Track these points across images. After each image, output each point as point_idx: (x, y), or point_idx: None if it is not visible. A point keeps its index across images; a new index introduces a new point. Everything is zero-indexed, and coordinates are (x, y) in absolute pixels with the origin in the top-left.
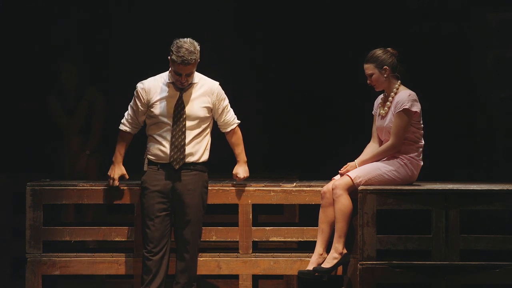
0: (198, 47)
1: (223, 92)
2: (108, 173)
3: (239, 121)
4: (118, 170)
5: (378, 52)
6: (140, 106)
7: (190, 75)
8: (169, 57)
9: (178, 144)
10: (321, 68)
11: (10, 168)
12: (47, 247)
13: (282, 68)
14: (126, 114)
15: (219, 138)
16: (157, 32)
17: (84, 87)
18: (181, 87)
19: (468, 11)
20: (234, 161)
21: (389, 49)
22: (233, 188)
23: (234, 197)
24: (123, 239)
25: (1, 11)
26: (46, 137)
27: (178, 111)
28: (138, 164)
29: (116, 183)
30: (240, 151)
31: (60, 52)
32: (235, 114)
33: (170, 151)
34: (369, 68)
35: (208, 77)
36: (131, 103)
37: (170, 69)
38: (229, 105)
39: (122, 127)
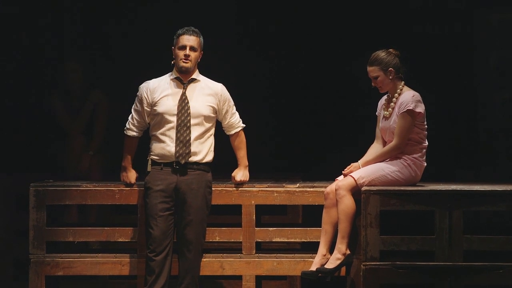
0: (202, 37)
1: (228, 93)
2: (122, 179)
3: (244, 125)
4: (131, 174)
5: (382, 54)
6: (145, 107)
7: (195, 51)
8: (173, 48)
9: (183, 139)
10: (324, 69)
11: (12, 168)
12: (50, 247)
13: (285, 69)
14: (130, 118)
15: (220, 139)
16: (158, 32)
17: (89, 88)
18: (185, 65)
19: (470, 11)
20: (235, 162)
21: (391, 50)
22: (236, 188)
23: (237, 197)
24: (127, 240)
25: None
26: (49, 137)
27: (182, 106)
28: (141, 165)
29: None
30: (242, 155)
31: (64, 53)
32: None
33: (176, 146)
34: (374, 71)
35: (213, 77)
36: (134, 107)
37: (173, 64)
38: (234, 107)
39: (129, 132)
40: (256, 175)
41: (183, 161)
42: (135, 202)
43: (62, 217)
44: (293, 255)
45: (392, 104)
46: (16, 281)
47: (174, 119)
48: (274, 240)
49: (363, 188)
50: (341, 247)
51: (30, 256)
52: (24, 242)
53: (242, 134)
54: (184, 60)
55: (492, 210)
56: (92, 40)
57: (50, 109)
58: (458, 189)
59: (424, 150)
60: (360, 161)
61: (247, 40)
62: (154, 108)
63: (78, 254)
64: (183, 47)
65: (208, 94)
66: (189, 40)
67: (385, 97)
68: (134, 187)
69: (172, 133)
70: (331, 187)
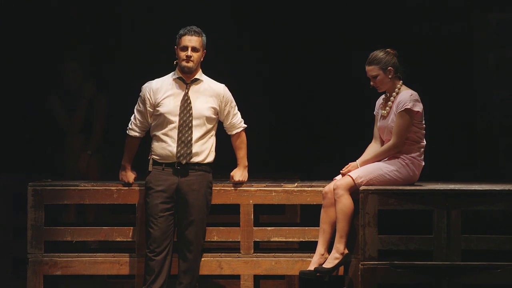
0: (205, 36)
1: (230, 94)
2: (121, 179)
3: (246, 125)
4: (130, 174)
5: (380, 53)
6: (148, 107)
7: (197, 52)
8: (175, 47)
9: (185, 140)
10: (323, 68)
11: (10, 168)
12: (48, 247)
13: (285, 69)
14: (133, 118)
15: (220, 139)
16: (158, 31)
17: (82, 83)
18: (187, 65)
19: (468, 11)
20: (235, 163)
21: (389, 50)
22: (235, 188)
23: (235, 197)
24: (125, 239)
25: (2, 11)
26: (47, 137)
27: (184, 106)
28: (142, 165)
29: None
30: (242, 156)
31: (63, 52)
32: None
33: (177, 146)
34: (373, 70)
35: (212, 77)
36: (137, 107)
37: (175, 64)
38: (236, 108)
39: (131, 132)
40: (254, 175)
41: (184, 161)
42: (133, 201)
43: (60, 216)
44: (291, 254)
45: (389, 103)
46: (15, 280)
47: (176, 119)
48: (272, 240)
49: (361, 188)
50: (339, 247)
51: (28, 256)
52: (22, 241)
53: (243, 135)
54: (186, 61)
55: (490, 210)
56: (93, 40)
57: (48, 109)
58: (456, 188)
59: (422, 149)
60: (358, 161)
61: (247, 40)
62: (157, 108)
63: (76, 254)
64: (185, 48)
65: (210, 95)
66: (191, 40)
67: (382, 96)
68: (132, 187)
69: (174, 133)
70: (329, 186)
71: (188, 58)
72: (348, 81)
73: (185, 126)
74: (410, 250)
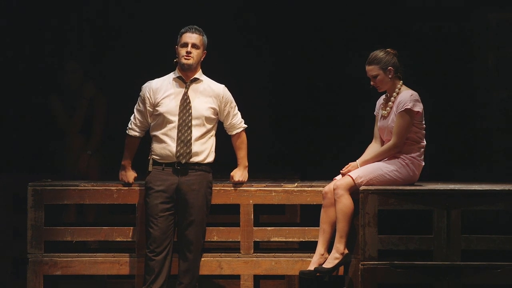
0: (206, 36)
1: (230, 94)
2: (121, 179)
3: (246, 126)
4: (130, 173)
5: (380, 53)
6: (148, 107)
7: (197, 49)
8: (176, 46)
9: (185, 139)
10: (323, 69)
11: (10, 168)
12: (48, 247)
13: (285, 69)
14: (133, 118)
15: (220, 139)
16: (159, 31)
17: (82, 82)
18: (186, 61)
19: (468, 11)
20: (235, 163)
21: (389, 49)
22: (235, 188)
23: (235, 197)
24: (125, 239)
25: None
26: (47, 137)
27: (184, 106)
28: (141, 165)
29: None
30: (242, 156)
31: (63, 52)
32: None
33: (177, 146)
34: (373, 70)
35: (211, 77)
36: (137, 107)
37: (175, 62)
38: (236, 108)
39: (131, 132)
40: (254, 175)
41: (183, 161)
42: (133, 201)
43: (60, 216)
44: (291, 254)
45: (390, 103)
46: (15, 280)
47: (175, 118)
48: (272, 240)
49: (361, 188)
50: (339, 247)
51: (28, 256)
52: (22, 241)
53: (244, 135)
54: (186, 57)
55: (490, 210)
56: (93, 40)
57: (49, 108)
58: (456, 188)
59: (422, 149)
60: (358, 161)
61: (247, 41)
62: (157, 108)
63: (76, 254)
64: (185, 44)
65: (209, 96)
66: (191, 37)
67: (383, 96)
68: (132, 187)
69: (174, 133)
70: (329, 186)
71: (188, 54)
72: (349, 81)
73: (184, 125)
74: (410, 250)
